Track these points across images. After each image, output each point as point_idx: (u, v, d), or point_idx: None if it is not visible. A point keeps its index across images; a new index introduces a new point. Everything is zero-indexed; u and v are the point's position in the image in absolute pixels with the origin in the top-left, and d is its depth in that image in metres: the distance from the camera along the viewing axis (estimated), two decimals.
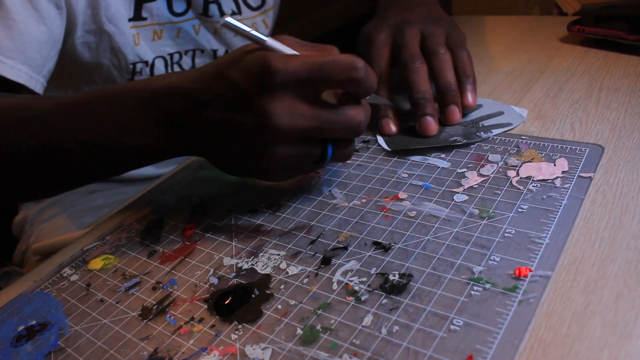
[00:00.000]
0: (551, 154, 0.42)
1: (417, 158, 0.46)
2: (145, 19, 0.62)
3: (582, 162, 0.41)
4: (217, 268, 0.38)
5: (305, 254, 0.38)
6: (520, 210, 0.37)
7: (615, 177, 0.39)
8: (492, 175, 0.41)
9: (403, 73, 0.50)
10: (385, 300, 0.32)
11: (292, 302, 0.34)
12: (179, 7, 0.65)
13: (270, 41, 0.37)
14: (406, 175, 0.44)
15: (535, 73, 0.58)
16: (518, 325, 0.28)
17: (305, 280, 0.35)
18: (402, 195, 0.42)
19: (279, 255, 0.38)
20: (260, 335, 0.32)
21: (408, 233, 0.37)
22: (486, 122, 0.48)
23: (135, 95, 0.40)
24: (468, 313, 0.30)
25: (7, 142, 0.43)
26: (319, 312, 0.32)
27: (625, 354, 0.26)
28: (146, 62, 0.64)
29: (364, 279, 0.34)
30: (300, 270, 0.36)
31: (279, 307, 0.34)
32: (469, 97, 0.49)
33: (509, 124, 0.47)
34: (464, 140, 0.46)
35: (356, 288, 0.33)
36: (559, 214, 0.36)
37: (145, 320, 0.35)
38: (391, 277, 0.34)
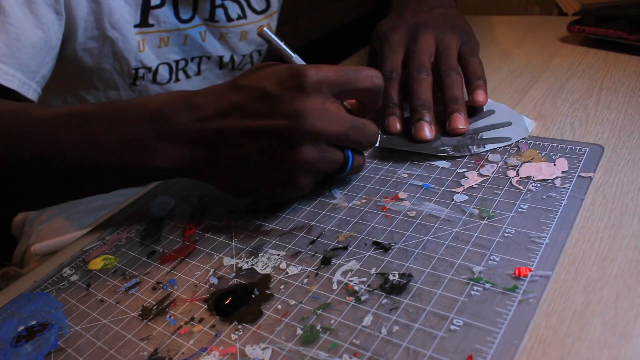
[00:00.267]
0: (551, 153, 0.42)
1: (417, 158, 0.46)
2: (152, 25, 0.62)
3: (582, 162, 0.41)
4: (217, 268, 0.38)
5: (305, 254, 0.38)
6: (520, 210, 0.37)
7: (615, 177, 0.39)
8: (492, 175, 0.41)
9: (408, 81, 0.50)
10: (385, 300, 0.32)
11: (292, 302, 0.34)
12: (185, 13, 0.64)
13: (297, 58, 0.41)
14: (406, 175, 0.44)
15: (535, 73, 0.58)
16: (518, 325, 0.28)
17: (305, 280, 0.35)
18: (402, 195, 0.42)
19: (279, 255, 0.38)
20: (260, 335, 0.32)
21: (408, 233, 0.37)
22: (486, 134, 0.47)
23: (137, 109, 0.40)
24: (468, 313, 0.30)
25: (1, 149, 0.41)
26: (319, 312, 0.32)
27: (625, 354, 0.26)
28: (149, 68, 0.64)
29: (364, 279, 0.34)
30: (300, 270, 0.36)
31: (279, 307, 0.34)
32: (479, 96, 0.49)
33: (509, 139, 0.45)
34: (452, 152, 0.45)
35: (356, 288, 0.33)
36: (558, 213, 0.36)
37: (145, 321, 0.35)
38: (391, 277, 0.34)
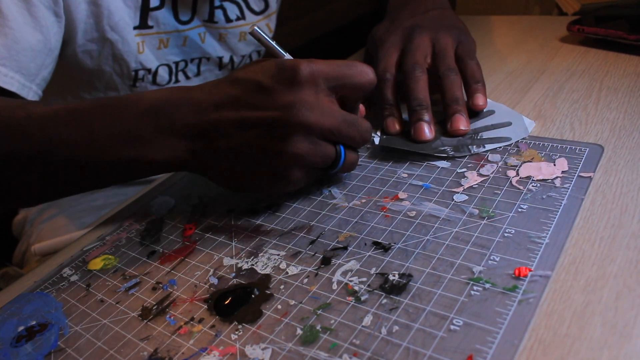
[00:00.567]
0: (551, 153, 0.42)
1: (417, 158, 0.46)
2: (151, 27, 0.62)
3: (581, 162, 0.41)
4: (217, 268, 0.38)
5: (305, 254, 0.38)
6: (520, 210, 0.37)
7: (615, 176, 0.39)
8: (492, 175, 0.41)
9: (404, 80, 0.50)
10: (385, 300, 0.32)
11: (292, 302, 0.34)
12: (184, 15, 0.64)
13: (289, 57, 0.41)
14: (406, 175, 0.44)
15: (535, 73, 0.58)
16: (518, 325, 0.28)
17: (305, 280, 0.35)
18: (402, 195, 0.42)
19: (278, 255, 0.38)
20: (260, 336, 0.32)
21: (408, 233, 0.37)
22: (485, 135, 0.47)
23: (136, 104, 0.40)
24: (468, 313, 0.30)
25: None
26: (319, 312, 0.32)
27: (625, 354, 0.26)
28: (149, 70, 0.64)
29: (364, 279, 0.34)
30: (300, 270, 0.36)
31: (279, 307, 0.34)
32: (479, 99, 0.49)
33: (508, 139, 0.45)
34: (452, 153, 0.45)
35: (356, 288, 0.33)
36: (558, 213, 0.36)
37: (145, 321, 0.35)
38: (391, 277, 0.34)
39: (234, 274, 0.37)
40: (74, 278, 0.41)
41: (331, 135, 0.38)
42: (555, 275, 0.31)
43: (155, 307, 0.36)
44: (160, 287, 0.38)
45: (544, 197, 0.38)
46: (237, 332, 0.32)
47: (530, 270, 0.32)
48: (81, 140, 0.40)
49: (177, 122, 0.39)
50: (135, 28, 0.61)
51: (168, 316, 0.35)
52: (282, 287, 0.35)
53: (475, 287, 0.31)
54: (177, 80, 0.68)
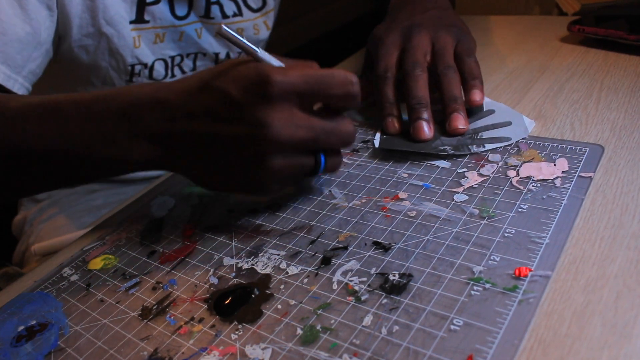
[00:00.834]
0: (551, 153, 0.42)
1: (417, 158, 0.46)
2: (147, 22, 0.62)
3: (582, 162, 0.41)
4: (217, 268, 0.38)
5: (305, 254, 0.38)
6: (520, 210, 0.37)
7: (615, 177, 0.39)
8: (492, 175, 0.41)
9: (403, 79, 0.50)
10: (385, 300, 0.32)
11: (292, 302, 0.34)
12: (181, 10, 0.64)
13: (262, 53, 0.38)
14: (406, 175, 0.44)
15: (535, 73, 0.58)
16: (518, 325, 0.28)
17: (305, 280, 0.35)
18: (402, 195, 0.42)
19: (279, 255, 0.38)
20: (260, 335, 0.32)
21: (408, 233, 0.37)
22: (485, 134, 0.47)
23: (110, 104, 0.39)
24: (468, 313, 0.30)
25: None
26: (319, 312, 0.32)
27: (625, 354, 0.26)
28: (145, 64, 0.64)
29: (364, 279, 0.34)
30: (300, 270, 0.36)
31: (279, 307, 0.34)
32: (476, 95, 0.49)
33: (508, 139, 0.45)
34: (452, 152, 0.45)
35: (356, 288, 0.33)
36: (559, 213, 0.36)
37: (145, 320, 0.35)
38: (391, 277, 0.34)
39: (234, 274, 0.37)
40: (74, 278, 0.41)
41: (308, 147, 0.38)
42: (555, 275, 0.31)
43: (155, 307, 0.36)
44: (160, 287, 0.38)
45: (544, 197, 0.38)
46: (237, 332, 0.32)
47: (530, 270, 0.32)
48: (54, 137, 0.39)
49: (150, 127, 0.38)
50: (131, 22, 0.61)
51: (168, 316, 0.35)
52: (282, 287, 0.35)
53: (475, 287, 0.31)
54: (173, 75, 0.68)
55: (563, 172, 0.40)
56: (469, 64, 0.50)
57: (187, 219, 0.45)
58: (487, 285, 0.31)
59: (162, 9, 0.62)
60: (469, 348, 0.28)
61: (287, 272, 0.36)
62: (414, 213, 0.39)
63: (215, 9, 0.67)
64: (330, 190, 0.44)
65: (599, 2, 0.74)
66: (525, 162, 0.42)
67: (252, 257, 0.38)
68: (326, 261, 0.36)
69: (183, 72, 0.69)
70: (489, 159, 0.44)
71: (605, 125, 0.45)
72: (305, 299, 0.34)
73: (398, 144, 0.47)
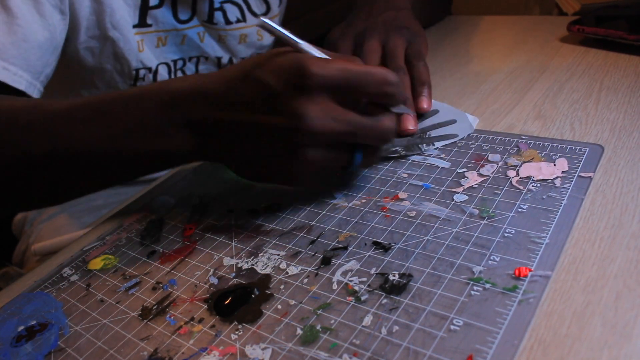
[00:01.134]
0: (551, 153, 0.42)
1: (417, 158, 0.46)
2: (150, 25, 0.62)
3: (582, 162, 0.41)
4: (217, 268, 0.38)
5: (305, 254, 0.38)
6: (520, 210, 0.37)
7: (615, 177, 0.39)
8: (492, 175, 0.41)
9: None
10: (385, 300, 0.32)
11: (292, 302, 0.34)
12: (183, 14, 0.64)
13: (304, 44, 0.38)
14: (406, 175, 0.44)
15: (535, 73, 0.58)
16: (518, 325, 0.28)
17: (305, 280, 0.35)
18: (402, 195, 0.42)
19: (279, 255, 0.38)
20: (260, 335, 0.32)
21: (408, 233, 0.37)
22: (433, 133, 0.48)
23: (153, 97, 0.39)
24: (468, 313, 0.30)
25: (17, 145, 0.41)
26: (319, 312, 0.32)
27: (625, 354, 0.26)
28: (149, 69, 0.64)
29: (364, 279, 0.34)
30: (300, 270, 0.36)
31: (279, 307, 0.34)
32: (424, 102, 0.50)
33: (455, 135, 0.47)
34: (404, 152, 0.46)
35: (356, 288, 0.33)
36: (558, 213, 0.36)
37: (145, 321, 0.35)
38: (391, 277, 0.34)
39: (234, 274, 0.37)
40: (74, 278, 0.41)
41: (343, 140, 0.38)
42: (555, 275, 0.31)
43: (155, 307, 0.36)
44: (160, 287, 0.38)
45: (544, 197, 0.38)
46: (237, 332, 0.32)
47: (530, 270, 0.32)
48: (100, 135, 0.40)
49: (192, 117, 0.39)
50: (134, 26, 0.61)
51: (168, 316, 0.35)
52: (282, 287, 0.35)
53: (475, 287, 0.31)
54: None
55: (563, 172, 0.40)
56: (418, 69, 0.52)
57: (187, 219, 0.45)
58: (487, 286, 0.31)
59: (164, 12, 0.62)
60: (468, 348, 0.28)
61: (287, 272, 0.36)
62: (413, 213, 0.39)
63: (218, 15, 0.67)
64: (330, 190, 0.44)
65: (599, 2, 0.74)
66: (525, 162, 0.42)
67: (252, 257, 0.38)
68: (326, 261, 0.36)
69: (201, 73, 0.69)
70: (489, 158, 0.44)
71: (605, 125, 0.45)
72: (305, 299, 0.34)
73: None
